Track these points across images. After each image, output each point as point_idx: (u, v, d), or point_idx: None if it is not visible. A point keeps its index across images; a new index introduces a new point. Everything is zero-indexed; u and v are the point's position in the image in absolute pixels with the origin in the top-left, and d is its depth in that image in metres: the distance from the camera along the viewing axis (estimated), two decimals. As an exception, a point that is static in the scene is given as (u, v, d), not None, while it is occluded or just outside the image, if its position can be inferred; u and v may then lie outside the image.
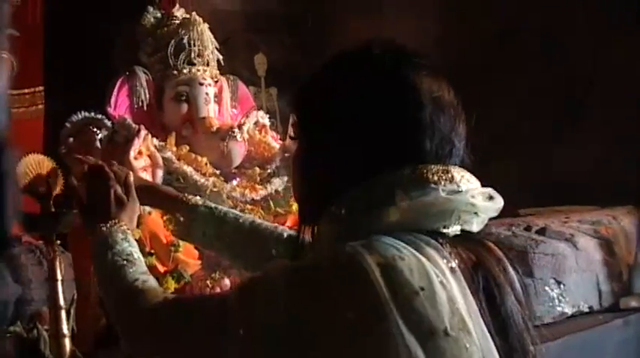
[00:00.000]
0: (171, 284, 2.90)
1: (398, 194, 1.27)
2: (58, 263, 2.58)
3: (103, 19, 4.12)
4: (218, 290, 2.99)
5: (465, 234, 1.35)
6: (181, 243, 2.95)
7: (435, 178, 1.30)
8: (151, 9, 3.37)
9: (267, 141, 3.40)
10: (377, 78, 1.34)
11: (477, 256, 1.32)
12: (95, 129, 3.14)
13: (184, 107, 3.25)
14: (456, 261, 1.26)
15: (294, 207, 3.26)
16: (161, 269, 2.92)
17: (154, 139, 3.08)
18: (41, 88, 4.37)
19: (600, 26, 4.68)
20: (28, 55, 4.32)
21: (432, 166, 1.30)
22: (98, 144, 3.13)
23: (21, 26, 4.25)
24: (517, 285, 1.35)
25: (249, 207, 3.10)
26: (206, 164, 3.13)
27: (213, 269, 3.05)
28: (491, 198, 1.35)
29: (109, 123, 3.14)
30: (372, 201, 1.28)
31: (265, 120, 3.50)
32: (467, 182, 1.33)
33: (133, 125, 3.08)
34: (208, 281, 3.00)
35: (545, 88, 4.73)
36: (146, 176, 2.95)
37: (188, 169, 3.06)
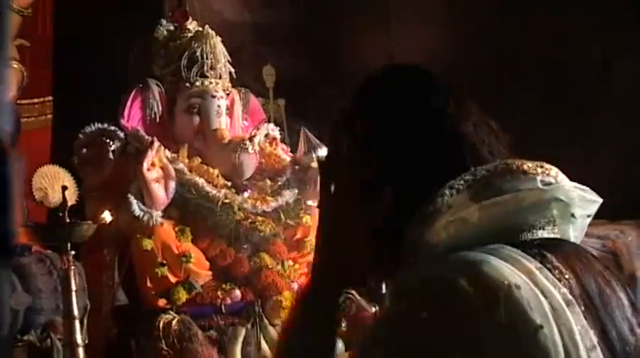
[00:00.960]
0: (183, 295, 2.93)
1: (486, 186, 1.10)
2: (72, 273, 2.61)
3: (114, 30, 4.14)
4: (229, 301, 3.02)
5: (560, 241, 1.15)
6: (193, 253, 2.98)
7: (531, 169, 1.13)
8: (164, 21, 3.40)
9: (277, 154, 3.43)
10: (417, 98, 1.21)
11: (586, 278, 1.10)
12: (108, 141, 3.17)
13: (196, 119, 3.28)
14: (567, 288, 1.06)
15: (305, 219, 3.29)
16: (172, 279, 2.95)
17: (167, 151, 3.11)
18: (50, 97, 4.39)
19: (609, 32, 4.70)
20: (38, 65, 4.34)
21: (519, 160, 1.15)
22: (111, 155, 3.16)
23: (31, 37, 4.27)
24: (628, 311, 1.13)
25: (259, 218, 3.13)
26: (218, 176, 3.17)
27: (224, 281, 3.08)
28: (587, 196, 1.16)
29: (121, 135, 3.17)
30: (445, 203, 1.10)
31: (276, 132, 3.54)
32: (563, 176, 1.15)
33: (146, 137, 3.11)
34: (219, 292, 3.02)
35: (555, 96, 4.75)
36: (159, 187, 2.98)
37: (200, 181, 3.09)
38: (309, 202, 3.37)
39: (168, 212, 3.04)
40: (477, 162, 1.15)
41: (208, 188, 3.09)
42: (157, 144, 3.05)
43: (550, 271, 1.06)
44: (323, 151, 3.37)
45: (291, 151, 3.54)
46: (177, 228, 3.01)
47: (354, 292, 3.39)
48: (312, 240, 3.32)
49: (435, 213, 1.10)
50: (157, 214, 2.97)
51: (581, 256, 1.13)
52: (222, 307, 3.00)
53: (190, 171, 3.14)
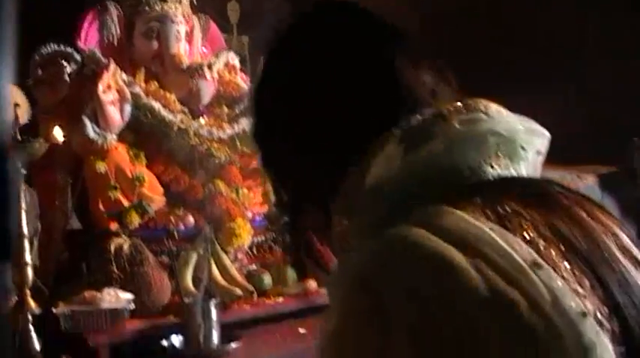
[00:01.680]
0: (135, 218, 2.91)
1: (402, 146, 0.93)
2: (22, 191, 2.57)
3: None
4: (181, 226, 3.01)
5: (518, 179, 0.96)
6: (146, 177, 2.96)
7: (445, 112, 0.95)
8: (124, -58, 3.33)
9: (236, 81, 3.40)
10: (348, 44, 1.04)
11: (560, 220, 0.89)
12: (64, 62, 3.11)
13: (155, 43, 3.24)
14: (543, 246, 0.85)
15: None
16: (125, 202, 2.93)
17: (123, 74, 3.06)
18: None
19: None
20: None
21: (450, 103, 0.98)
22: (67, 77, 3.11)
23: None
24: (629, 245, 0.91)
25: (215, 145, 3.10)
26: (174, 101, 3.13)
27: (178, 206, 3.06)
28: (533, 127, 0.99)
29: (78, 57, 3.12)
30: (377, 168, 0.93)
31: (235, 61, 3.51)
32: (502, 110, 0.98)
33: (103, 59, 3.06)
34: (172, 217, 3.01)
35: (507, 42, 4.73)
36: (114, 110, 2.95)
37: (156, 105, 3.06)
38: (266, 131, 3.35)
39: (122, 135, 3.00)
40: (413, 109, 0.98)
41: (164, 112, 3.06)
42: (113, 66, 3.00)
43: (507, 223, 0.86)
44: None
45: (252, 81, 3.51)
46: (131, 152, 2.98)
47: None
48: (267, 168, 3.31)
49: (364, 174, 0.94)
50: (112, 137, 2.93)
51: (550, 192, 0.93)
52: (175, 232, 2.99)
53: (147, 95, 3.10)
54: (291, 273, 3.12)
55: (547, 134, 1.00)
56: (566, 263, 0.83)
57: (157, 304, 2.76)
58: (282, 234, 3.32)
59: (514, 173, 0.96)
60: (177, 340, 2.64)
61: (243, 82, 3.43)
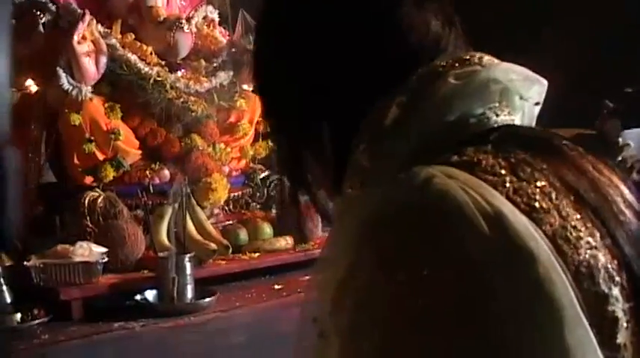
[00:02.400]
0: (110, 172, 2.88)
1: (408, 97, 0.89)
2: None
3: None
4: (157, 180, 2.97)
5: (524, 128, 0.94)
6: (122, 131, 2.92)
7: (443, 63, 0.92)
8: None
9: (214, 35, 3.36)
10: None
11: (567, 170, 0.86)
12: (39, 13, 3.06)
13: (131, -6, 3.18)
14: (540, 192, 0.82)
15: (239, 102, 3.24)
16: (100, 156, 2.90)
17: (99, 26, 3.00)
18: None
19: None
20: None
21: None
22: (41, 28, 3.05)
23: None
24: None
25: (192, 98, 3.06)
26: (151, 53, 3.08)
27: (153, 160, 3.03)
28: (530, 75, 0.96)
29: (53, 8, 3.06)
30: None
31: (214, 15, 3.46)
32: (490, 60, 0.94)
33: (78, 10, 3.00)
34: (147, 172, 2.98)
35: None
36: (89, 61, 2.89)
37: (132, 57, 3.00)
38: (245, 86, 3.32)
39: (98, 88, 2.95)
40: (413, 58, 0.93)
41: (141, 65, 3.01)
42: (88, 17, 2.94)
43: (520, 172, 0.83)
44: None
45: (230, 36, 3.47)
46: (107, 105, 2.93)
47: (285, 178, 3.38)
48: (245, 124, 3.28)
49: (381, 122, 0.90)
50: (87, 89, 2.88)
51: (555, 143, 0.90)
52: (150, 186, 2.96)
53: (123, 47, 3.04)
54: (267, 230, 3.10)
55: (544, 82, 0.96)
56: (577, 214, 0.81)
57: (131, 258, 2.74)
58: (259, 189, 3.30)
59: (516, 122, 0.93)
60: (150, 295, 2.61)
61: (221, 36, 3.38)
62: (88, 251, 2.59)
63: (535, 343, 0.72)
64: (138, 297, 2.59)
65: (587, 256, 0.79)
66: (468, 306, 0.73)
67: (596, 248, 0.80)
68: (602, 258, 0.79)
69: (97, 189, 2.85)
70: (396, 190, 0.81)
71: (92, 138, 2.88)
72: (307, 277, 2.98)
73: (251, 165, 3.37)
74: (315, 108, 0.97)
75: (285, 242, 3.08)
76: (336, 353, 0.79)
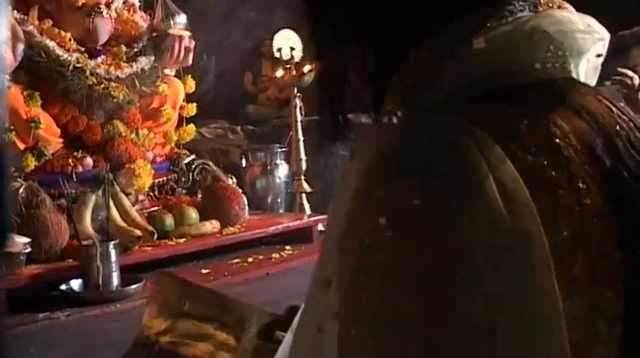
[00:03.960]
0: (32, 161, 2.84)
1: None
2: None
3: None
4: (80, 168, 2.94)
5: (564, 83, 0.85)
6: (42, 119, 2.88)
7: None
8: None
9: (134, 20, 3.32)
10: None
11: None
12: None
13: (48, -20, 3.13)
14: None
15: (161, 87, 3.22)
16: (21, 146, 2.86)
17: (15, 12, 2.95)
18: None
19: None
20: None
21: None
22: (-46, 15, 2.99)
23: None
24: None
25: (113, 84, 3.03)
26: (70, 39, 3.03)
27: (76, 148, 3.00)
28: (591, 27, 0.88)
29: (-34, -7, 2.99)
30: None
31: (134, -1, 3.43)
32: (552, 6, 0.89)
33: (-8, -4, 2.94)
34: (70, 160, 2.94)
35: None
36: (6, 49, 2.84)
37: (51, 44, 2.96)
38: (167, 71, 3.30)
39: (16, 76, 2.90)
40: None
41: (59, 51, 2.96)
42: (4, 2, 2.88)
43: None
44: (181, 18, 3.28)
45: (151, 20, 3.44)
46: (25, 93, 2.89)
47: (209, 162, 3.38)
48: (168, 109, 3.27)
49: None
50: (4, 77, 2.84)
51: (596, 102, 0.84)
52: (73, 175, 2.93)
53: (41, 33, 2.99)
54: (193, 214, 3.09)
55: (607, 34, 0.89)
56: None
57: (55, 248, 2.71)
58: (184, 174, 3.29)
59: (572, 74, 0.86)
60: (76, 284, 2.60)
61: (142, 21, 3.35)
62: (11, 241, 2.56)
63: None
64: (63, 287, 2.58)
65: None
66: (443, 284, 0.71)
67: (603, 223, 0.76)
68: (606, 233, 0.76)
69: (19, 179, 2.81)
70: (407, 137, 0.78)
71: (12, 127, 2.83)
72: (235, 260, 3.00)
73: (175, 150, 3.36)
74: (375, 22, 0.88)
75: (212, 226, 3.08)
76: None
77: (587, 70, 0.87)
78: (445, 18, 0.83)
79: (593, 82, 0.89)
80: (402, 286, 0.72)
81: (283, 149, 4.09)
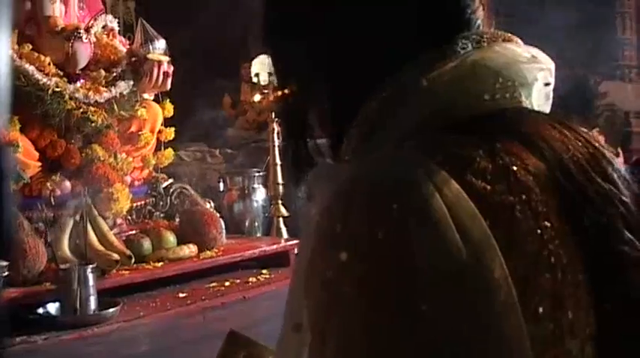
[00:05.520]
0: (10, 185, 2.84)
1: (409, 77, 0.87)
2: None
3: None
4: (58, 192, 2.95)
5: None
6: (21, 143, 2.89)
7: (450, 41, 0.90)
8: None
9: (114, 45, 3.34)
10: None
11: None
12: None
13: (28, 4, 3.16)
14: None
15: (140, 112, 3.24)
16: (-1, 169, 2.85)
17: (-6, 36, 2.96)
18: None
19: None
20: None
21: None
22: None
23: None
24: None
25: (92, 109, 3.05)
26: (49, 64, 3.05)
27: (54, 172, 3.01)
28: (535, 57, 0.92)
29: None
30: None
31: (114, 24, 3.45)
32: (502, 40, 0.92)
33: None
34: (48, 183, 2.95)
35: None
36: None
37: (30, 68, 2.97)
38: (145, 95, 3.32)
39: (-6, 99, 2.91)
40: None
41: (38, 75, 2.98)
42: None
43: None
44: (161, 43, 3.31)
45: (130, 45, 3.46)
46: (3, 117, 2.90)
47: (188, 186, 3.40)
48: (147, 133, 3.28)
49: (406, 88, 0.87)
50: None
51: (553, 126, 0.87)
52: (51, 198, 2.93)
53: (20, 57, 3.01)
54: (171, 238, 3.10)
55: (551, 64, 0.93)
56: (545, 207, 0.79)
57: (33, 272, 2.71)
58: (162, 198, 3.31)
59: (524, 103, 0.89)
60: (53, 307, 2.60)
61: (121, 46, 3.37)
62: (-11, 265, 2.56)
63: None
64: (40, 310, 2.58)
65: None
66: (409, 305, 0.74)
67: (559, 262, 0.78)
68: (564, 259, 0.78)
69: (-4, 202, 2.81)
70: (365, 174, 0.81)
71: (-10, 150, 2.84)
72: (212, 284, 3.01)
73: (153, 174, 3.37)
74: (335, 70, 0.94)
75: (189, 250, 3.10)
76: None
77: (538, 98, 0.91)
78: (396, 64, 0.87)
79: (546, 109, 0.92)
80: (367, 318, 0.75)
81: (261, 173, 4.11)
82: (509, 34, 0.94)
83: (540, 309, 0.76)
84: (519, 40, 0.94)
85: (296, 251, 3.27)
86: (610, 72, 6.18)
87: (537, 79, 0.90)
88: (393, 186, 0.77)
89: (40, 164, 3.00)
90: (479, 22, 0.93)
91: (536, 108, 0.90)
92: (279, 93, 0.99)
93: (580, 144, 0.85)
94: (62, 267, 2.65)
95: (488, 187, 0.78)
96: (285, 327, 0.86)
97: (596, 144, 0.86)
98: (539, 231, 0.77)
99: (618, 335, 0.80)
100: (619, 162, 0.88)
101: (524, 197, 0.78)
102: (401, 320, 0.73)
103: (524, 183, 0.79)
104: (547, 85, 0.92)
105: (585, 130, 0.88)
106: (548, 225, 0.78)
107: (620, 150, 5.62)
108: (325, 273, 0.76)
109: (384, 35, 0.90)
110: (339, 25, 0.92)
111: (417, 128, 0.85)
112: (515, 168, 0.80)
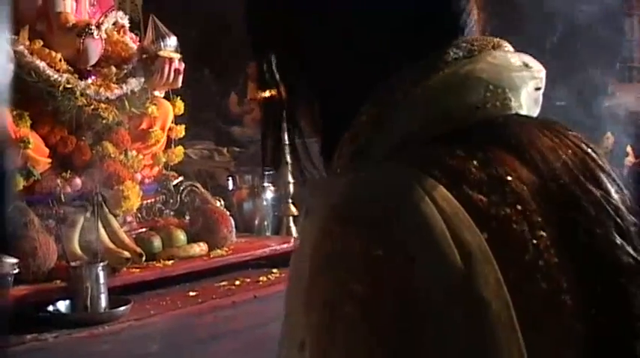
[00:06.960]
0: (20, 182, 2.84)
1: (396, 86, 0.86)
2: None
3: None
4: (68, 189, 2.94)
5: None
6: (31, 139, 2.88)
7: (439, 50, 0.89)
8: None
9: (125, 41, 3.33)
10: None
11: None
12: (-60, 19, 2.99)
13: (39, 0, 3.14)
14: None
15: (150, 109, 3.23)
16: (9, 165, 2.85)
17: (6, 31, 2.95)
18: None
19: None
20: None
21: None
22: (-57, 34, 2.99)
23: None
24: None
25: (103, 105, 3.04)
26: (60, 60, 3.04)
27: (65, 169, 2.99)
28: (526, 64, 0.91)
29: (-45, 13, 2.99)
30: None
31: (125, 20, 3.44)
32: (491, 47, 0.91)
33: (-17, 16, 2.95)
34: (59, 180, 2.94)
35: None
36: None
37: (41, 64, 2.96)
38: (156, 92, 3.31)
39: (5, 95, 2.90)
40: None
41: (50, 72, 2.96)
42: (-6, 23, 2.89)
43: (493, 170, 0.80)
44: (172, 40, 3.29)
45: (140, 41, 3.45)
46: (15, 113, 2.89)
47: (198, 185, 3.39)
48: (157, 130, 3.27)
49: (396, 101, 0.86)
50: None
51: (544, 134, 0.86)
52: (62, 195, 2.92)
53: (31, 54, 2.99)
54: (181, 236, 3.09)
55: (542, 70, 0.92)
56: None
57: (43, 269, 2.70)
58: (172, 196, 3.29)
59: (514, 109, 0.88)
60: (63, 305, 2.59)
61: (132, 42, 3.36)
62: (-1, 262, 2.55)
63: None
64: (50, 308, 2.56)
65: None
66: (410, 326, 0.73)
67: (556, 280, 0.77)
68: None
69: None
70: (359, 189, 0.80)
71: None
72: (223, 283, 3.00)
73: (164, 171, 3.36)
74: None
75: (200, 248, 3.08)
76: None
77: (527, 101, 0.90)
78: (386, 73, 0.87)
79: (535, 113, 0.92)
80: (369, 339, 0.74)
81: (270, 171, 4.09)
82: (499, 40, 0.93)
83: (537, 319, 0.76)
84: (509, 46, 0.93)
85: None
86: (620, 73, 6.24)
87: (528, 84, 0.90)
88: (390, 204, 0.76)
89: (50, 161, 2.99)
90: (472, 26, 0.93)
91: (525, 111, 0.90)
92: (265, 94, 0.98)
93: (570, 151, 0.85)
94: (73, 264, 2.64)
95: (485, 199, 0.77)
96: (289, 349, 0.84)
97: (586, 149, 0.86)
98: (534, 241, 0.77)
99: (614, 345, 0.79)
100: (608, 163, 0.88)
101: (519, 207, 0.78)
102: (402, 343, 0.73)
103: (519, 194, 0.79)
104: (537, 89, 0.93)
105: (575, 133, 0.88)
106: (544, 234, 0.78)
107: (630, 149, 5.64)
108: (326, 293, 0.76)
109: (375, 44, 0.89)
110: (328, 35, 0.91)
111: (408, 139, 0.84)
112: (509, 178, 0.80)
